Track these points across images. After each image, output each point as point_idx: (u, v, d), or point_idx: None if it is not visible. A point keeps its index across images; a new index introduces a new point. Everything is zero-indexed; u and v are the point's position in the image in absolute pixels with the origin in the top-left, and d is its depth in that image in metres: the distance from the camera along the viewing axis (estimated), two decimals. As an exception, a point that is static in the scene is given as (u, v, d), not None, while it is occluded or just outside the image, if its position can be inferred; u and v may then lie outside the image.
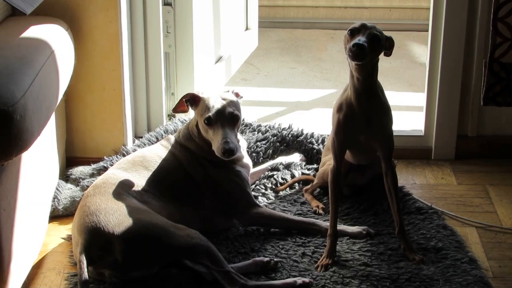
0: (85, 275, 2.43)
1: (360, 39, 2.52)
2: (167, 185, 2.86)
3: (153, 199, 2.77)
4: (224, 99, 2.89)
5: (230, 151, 2.79)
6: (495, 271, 2.77)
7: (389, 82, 4.84)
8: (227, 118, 2.85)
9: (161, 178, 2.86)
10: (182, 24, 3.73)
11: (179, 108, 2.96)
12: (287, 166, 3.37)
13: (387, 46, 2.64)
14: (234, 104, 2.90)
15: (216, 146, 2.82)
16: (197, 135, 2.94)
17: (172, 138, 3.03)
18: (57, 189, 3.19)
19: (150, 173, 2.86)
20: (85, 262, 2.46)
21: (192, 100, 2.94)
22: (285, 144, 3.54)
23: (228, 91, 2.96)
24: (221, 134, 2.81)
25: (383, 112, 2.74)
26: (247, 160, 3.08)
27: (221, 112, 2.85)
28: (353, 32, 2.57)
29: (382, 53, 2.64)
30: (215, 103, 2.86)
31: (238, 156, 2.96)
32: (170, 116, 3.80)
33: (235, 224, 2.98)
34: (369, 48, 2.52)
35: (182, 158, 2.94)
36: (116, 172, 2.84)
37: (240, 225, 2.97)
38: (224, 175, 2.94)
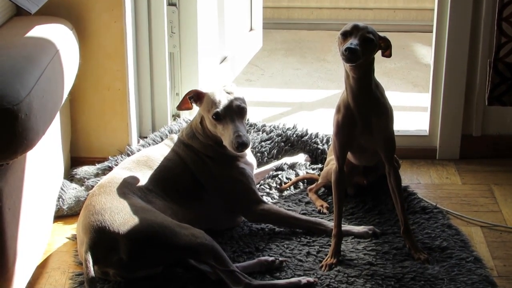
0: (92, 273, 2.44)
1: (352, 42, 2.51)
2: (171, 184, 2.86)
3: (157, 198, 2.77)
4: (229, 93, 2.88)
5: (244, 144, 2.78)
6: (500, 270, 2.76)
7: (393, 82, 4.85)
8: (235, 111, 2.84)
9: (165, 177, 2.86)
10: (187, 25, 3.74)
11: (183, 106, 2.95)
12: (292, 166, 3.37)
13: (382, 46, 2.64)
14: (240, 97, 2.90)
15: (228, 141, 2.80)
16: (201, 132, 2.93)
17: (175, 137, 3.03)
18: (61, 188, 3.19)
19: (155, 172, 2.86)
20: (91, 260, 2.46)
21: (196, 97, 2.93)
22: (289, 144, 3.54)
23: (226, 85, 2.96)
24: (231, 128, 2.80)
25: (382, 113, 2.73)
26: (250, 158, 3.08)
27: (228, 106, 2.84)
28: (346, 35, 2.57)
29: (381, 54, 2.64)
30: (221, 98, 2.85)
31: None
32: (175, 116, 3.80)
33: (239, 223, 2.98)
34: (362, 49, 2.52)
35: (185, 157, 2.94)
36: (121, 172, 2.84)
37: (248, 222, 2.97)
38: (228, 172, 2.93)
